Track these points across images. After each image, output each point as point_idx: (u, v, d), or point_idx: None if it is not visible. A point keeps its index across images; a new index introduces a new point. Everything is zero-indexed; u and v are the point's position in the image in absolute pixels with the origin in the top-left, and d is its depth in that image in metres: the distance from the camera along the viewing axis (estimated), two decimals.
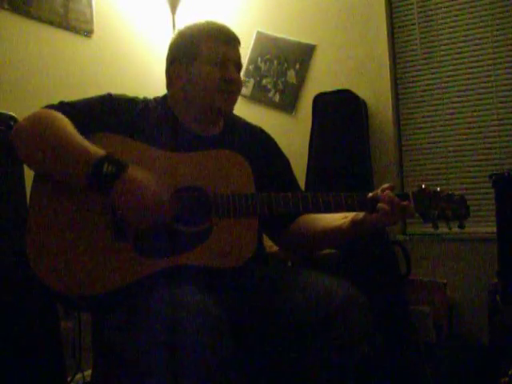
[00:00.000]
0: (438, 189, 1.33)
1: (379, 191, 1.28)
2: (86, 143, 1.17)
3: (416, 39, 2.69)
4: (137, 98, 1.40)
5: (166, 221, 1.18)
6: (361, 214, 1.28)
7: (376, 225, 1.27)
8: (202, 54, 1.36)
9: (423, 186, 1.32)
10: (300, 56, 2.87)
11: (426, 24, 2.68)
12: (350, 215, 1.31)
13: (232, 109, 1.43)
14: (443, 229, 1.33)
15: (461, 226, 1.32)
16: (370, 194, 1.29)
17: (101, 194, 1.15)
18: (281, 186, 1.42)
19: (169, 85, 1.43)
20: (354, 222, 1.29)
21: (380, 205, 1.24)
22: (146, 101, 1.40)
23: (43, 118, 1.22)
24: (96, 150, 1.16)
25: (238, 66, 1.41)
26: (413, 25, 2.70)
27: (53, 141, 1.17)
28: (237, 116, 1.53)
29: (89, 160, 1.13)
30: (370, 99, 2.69)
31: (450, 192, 1.33)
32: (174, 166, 1.26)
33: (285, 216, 1.41)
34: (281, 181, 1.47)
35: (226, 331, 1.07)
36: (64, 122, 1.21)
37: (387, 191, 1.27)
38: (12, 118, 1.61)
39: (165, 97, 1.44)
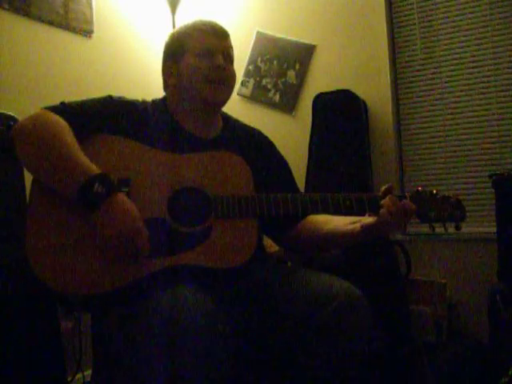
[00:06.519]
0: (434, 191, 1.33)
1: (380, 194, 1.27)
2: (82, 157, 1.17)
3: (416, 39, 2.69)
4: (136, 100, 1.40)
5: (144, 253, 1.14)
6: (370, 220, 1.26)
7: (384, 231, 1.26)
8: (189, 48, 1.37)
9: (419, 189, 1.33)
10: (300, 56, 2.87)
11: (426, 24, 2.68)
12: (360, 220, 1.28)
13: (223, 100, 1.41)
14: (440, 230, 1.33)
15: (457, 228, 1.32)
16: (367, 196, 1.28)
17: (86, 211, 1.14)
18: (279, 187, 1.41)
19: (164, 85, 1.45)
20: (363, 228, 1.26)
21: (382, 211, 1.22)
22: (144, 103, 1.40)
23: (44, 122, 1.22)
24: (90, 167, 1.15)
25: (228, 56, 1.40)
26: (413, 25, 2.70)
27: (50, 149, 1.17)
28: (234, 118, 1.53)
29: (81, 176, 1.13)
30: (370, 99, 2.68)
31: (445, 194, 1.33)
32: (174, 167, 1.26)
33: (291, 216, 1.40)
34: (279, 182, 1.47)
35: (225, 332, 1.07)
36: (64, 129, 1.20)
37: (389, 196, 1.24)
38: (12, 117, 1.61)
39: (163, 99, 1.45)
